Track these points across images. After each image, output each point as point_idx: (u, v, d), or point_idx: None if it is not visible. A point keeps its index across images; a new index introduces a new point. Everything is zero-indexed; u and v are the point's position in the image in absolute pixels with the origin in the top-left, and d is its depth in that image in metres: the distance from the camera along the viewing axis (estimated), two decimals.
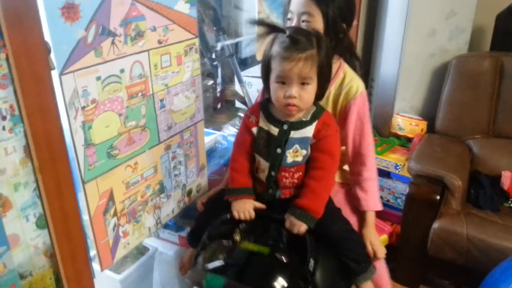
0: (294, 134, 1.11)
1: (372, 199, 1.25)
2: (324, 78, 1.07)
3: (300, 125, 1.11)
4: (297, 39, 1.02)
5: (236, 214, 1.13)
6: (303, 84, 1.04)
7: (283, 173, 1.14)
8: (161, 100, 1.22)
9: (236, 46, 2.16)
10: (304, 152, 1.12)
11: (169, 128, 1.28)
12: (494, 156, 2.17)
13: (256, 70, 2.46)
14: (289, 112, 1.08)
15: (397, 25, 2.26)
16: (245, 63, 2.33)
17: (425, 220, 1.83)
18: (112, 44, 1.01)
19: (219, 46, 1.88)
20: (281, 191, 1.16)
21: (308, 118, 1.11)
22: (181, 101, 1.31)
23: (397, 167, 2.20)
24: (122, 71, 1.06)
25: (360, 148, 1.24)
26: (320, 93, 1.09)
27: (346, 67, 1.23)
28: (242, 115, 2.18)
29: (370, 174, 1.24)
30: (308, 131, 1.10)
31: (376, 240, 1.23)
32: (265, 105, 1.16)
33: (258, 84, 2.42)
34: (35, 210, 0.89)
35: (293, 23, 1.19)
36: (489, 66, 2.16)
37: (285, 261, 1.03)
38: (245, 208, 1.13)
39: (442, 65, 2.34)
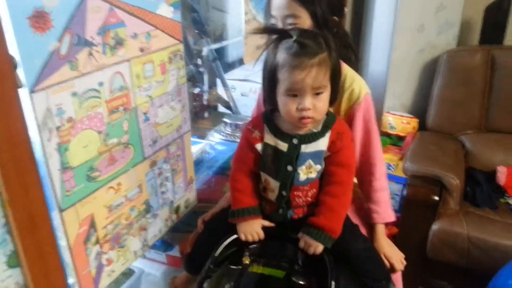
0: (305, 148, 0.99)
1: (384, 210, 1.15)
2: (337, 81, 0.96)
3: (312, 137, 0.99)
4: (306, 43, 0.91)
5: (243, 237, 1.02)
6: (317, 94, 0.93)
7: (295, 193, 1.02)
8: (145, 113, 1.12)
9: (222, 49, 2.05)
10: (318, 167, 1.00)
11: (154, 143, 1.18)
12: (488, 151, 2.13)
13: (239, 72, 2.35)
14: (303, 125, 0.97)
15: (385, 20, 2.20)
16: (232, 67, 2.22)
17: (423, 221, 1.78)
18: (89, 55, 0.90)
19: (205, 51, 1.77)
20: (293, 210, 1.05)
21: (320, 128, 0.99)
22: (166, 112, 1.20)
23: (391, 167, 2.14)
24: (101, 84, 0.95)
25: (369, 157, 1.14)
26: (333, 98, 0.98)
27: (345, 67, 1.12)
28: (227, 121, 2.07)
29: (380, 184, 1.15)
30: (322, 144, 0.99)
31: (391, 251, 1.14)
32: (268, 117, 1.03)
33: (242, 88, 2.32)
34: (5, 248, 0.78)
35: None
36: (480, 60, 2.11)
37: (303, 284, 0.93)
38: (252, 229, 1.02)
39: (432, 61, 2.29)
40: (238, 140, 2.15)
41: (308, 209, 1.05)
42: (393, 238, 2.02)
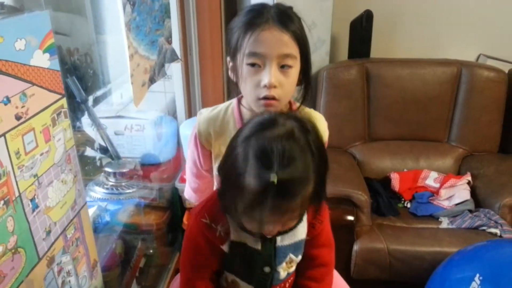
0: (282, 240, 0.81)
1: None
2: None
3: None
4: (288, 185, 0.64)
5: None
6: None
7: None
8: (32, 200, 0.82)
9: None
10: (299, 258, 0.85)
11: (48, 234, 0.88)
12: (377, 160, 2.22)
13: (105, 108, 2.03)
14: None
15: None
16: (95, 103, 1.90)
17: (344, 244, 1.74)
18: None
19: (91, 99, 1.47)
20: None
21: None
22: (57, 190, 0.92)
23: None
24: None
25: None
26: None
27: (313, 113, 1.06)
28: (109, 170, 1.76)
29: None
30: (301, 232, 0.83)
31: None
32: (228, 205, 0.80)
33: (115, 125, 2.01)
34: None
35: (265, 70, 0.86)
36: (356, 74, 2.19)
37: None
38: None
39: (311, 78, 2.30)
40: (127, 192, 1.88)
41: None
42: None
